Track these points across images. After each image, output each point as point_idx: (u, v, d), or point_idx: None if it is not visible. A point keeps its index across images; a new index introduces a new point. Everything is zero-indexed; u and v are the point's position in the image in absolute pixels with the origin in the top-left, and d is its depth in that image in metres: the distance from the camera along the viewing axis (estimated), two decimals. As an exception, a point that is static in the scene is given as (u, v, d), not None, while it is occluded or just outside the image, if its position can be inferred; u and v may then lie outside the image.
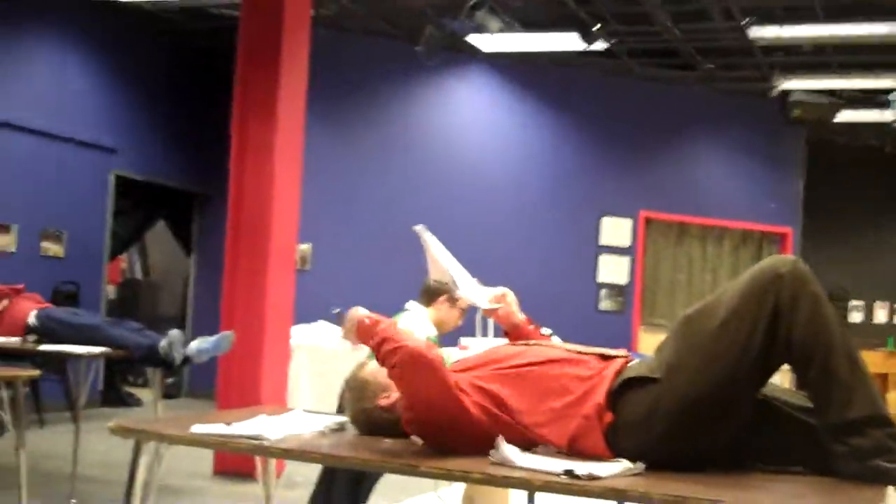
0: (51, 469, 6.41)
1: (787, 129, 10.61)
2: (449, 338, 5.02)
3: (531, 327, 3.04)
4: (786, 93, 9.94)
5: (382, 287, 9.46)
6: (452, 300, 4.84)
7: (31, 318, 5.98)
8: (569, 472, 2.24)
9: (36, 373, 4.85)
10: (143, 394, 10.34)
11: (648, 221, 10.59)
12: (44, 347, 5.80)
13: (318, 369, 7.41)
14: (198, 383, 10.67)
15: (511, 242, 10.23)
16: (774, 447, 2.55)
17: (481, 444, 2.49)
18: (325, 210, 9.79)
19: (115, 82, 9.98)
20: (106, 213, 9.89)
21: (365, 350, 2.69)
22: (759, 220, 10.77)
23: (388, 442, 2.71)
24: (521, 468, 2.35)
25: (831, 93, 9.96)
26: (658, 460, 2.41)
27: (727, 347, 2.41)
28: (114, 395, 10.09)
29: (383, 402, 2.81)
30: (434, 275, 3.15)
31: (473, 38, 9.45)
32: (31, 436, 4.55)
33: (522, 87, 10.54)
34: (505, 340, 3.08)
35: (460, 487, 4.60)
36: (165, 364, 5.75)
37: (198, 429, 2.75)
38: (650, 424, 2.44)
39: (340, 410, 3.73)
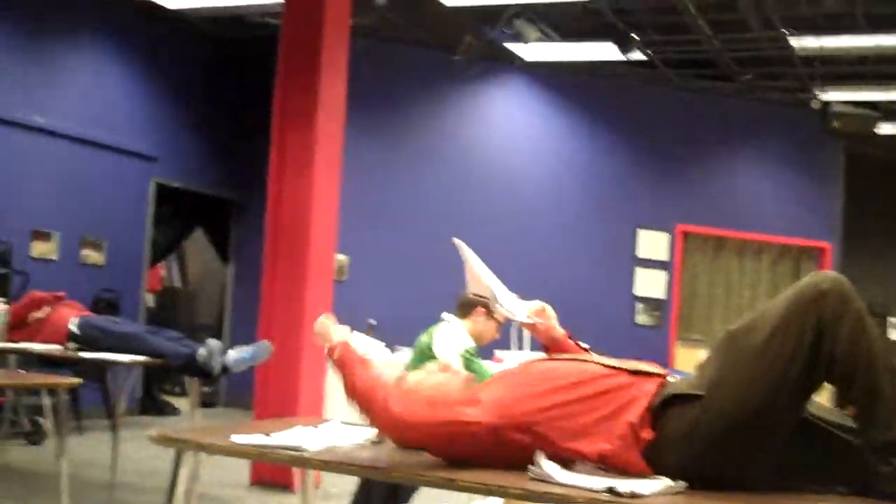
0: (90, 476, 6.46)
1: (827, 142, 10.52)
2: (484, 350, 5.01)
3: (570, 341, 3.02)
4: (825, 104, 9.86)
5: (418, 298, 9.49)
6: (489, 312, 4.83)
7: (72, 326, 6.04)
8: (611, 490, 2.22)
9: (77, 381, 4.89)
10: (181, 402, 10.41)
11: (686, 235, 10.53)
12: (85, 355, 5.85)
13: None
14: (234, 392, 10.73)
15: (547, 254, 10.20)
16: (816, 466, 2.52)
17: (506, 457, 2.52)
18: (362, 220, 9.82)
19: (155, 90, 10.08)
20: (146, 221, 9.98)
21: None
22: (797, 234, 10.67)
23: (425, 455, 2.71)
24: (561, 484, 2.33)
25: (872, 105, 9.86)
26: (699, 478, 2.39)
27: (770, 364, 2.39)
28: (151, 403, 10.17)
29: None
30: (472, 288, 3.14)
31: (512, 48, 9.46)
32: (70, 443, 4.58)
33: (560, 96, 10.53)
34: (541, 353, 3.07)
35: (496, 501, 4.58)
36: (204, 373, 5.77)
37: (238, 439, 2.76)
38: (692, 442, 2.41)
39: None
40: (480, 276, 3.01)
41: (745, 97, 10.45)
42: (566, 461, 2.49)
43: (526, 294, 3.15)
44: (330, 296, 7.07)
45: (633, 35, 8.65)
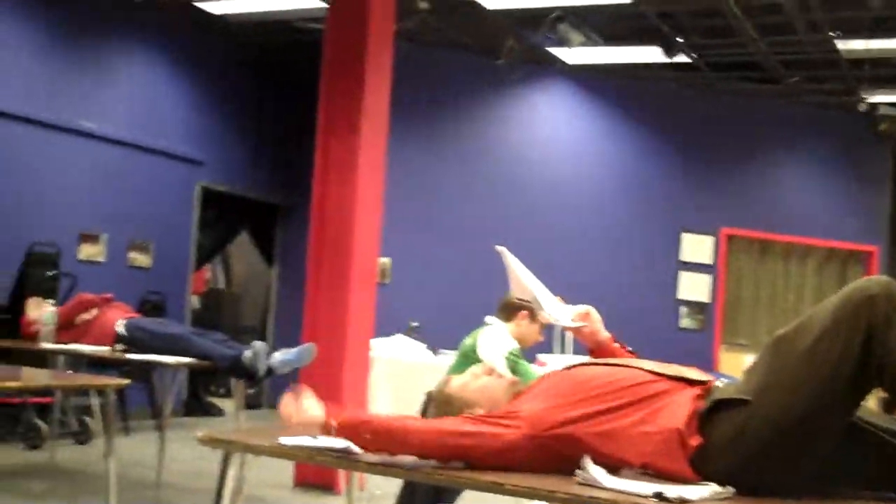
0: (136, 476, 6.53)
1: (874, 144, 10.40)
2: (527, 354, 5.00)
3: (616, 345, 3.02)
4: (873, 107, 9.75)
5: (460, 301, 9.51)
6: (532, 316, 4.83)
7: (120, 328, 6.13)
8: (659, 496, 2.22)
9: (125, 382, 4.95)
10: (225, 404, 10.50)
11: (730, 238, 10.45)
12: (132, 356, 5.93)
13: (396, 382, 7.46)
14: (278, 394, 10.74)
15: (590, 258, 10.18)
16: (865, 472, 2.50)
17: (550, 465, 2.53)
18: (405, 223, 9.85)
19: (201, 95, 10.18)
20: (192, 225, 10.08)
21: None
22: (843, 237, 10.55)
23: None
24: (608, 489, 2.33)
25: (920, 107, 9.75)
26: (747, 484, 2.38)
27: (818, 369, 2.37)
28: (196, 404, 10.26)
29: (467, 416, 2.81)
30: (516, 294, 3.14)
31: (555, 51, 9.45)
32: (117, 443, 4.63)
33: (604, 100, 10.51)
34: (584, 356, 3.07)
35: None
36: (249, 375, 5.83)
37: (285, 441, 2.78)
38: (739, 447, 2.40)
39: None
40: (524, 282, 3.01)
41: (791, 100, 10.36)
42: (611, 467, 2.49)
43: (569, 297, 3.15)
44: (373, 299, 7.10)
45: (677, 38, 8.60)
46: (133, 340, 6.05)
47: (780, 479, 2.42)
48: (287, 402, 2.81)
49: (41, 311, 6.28)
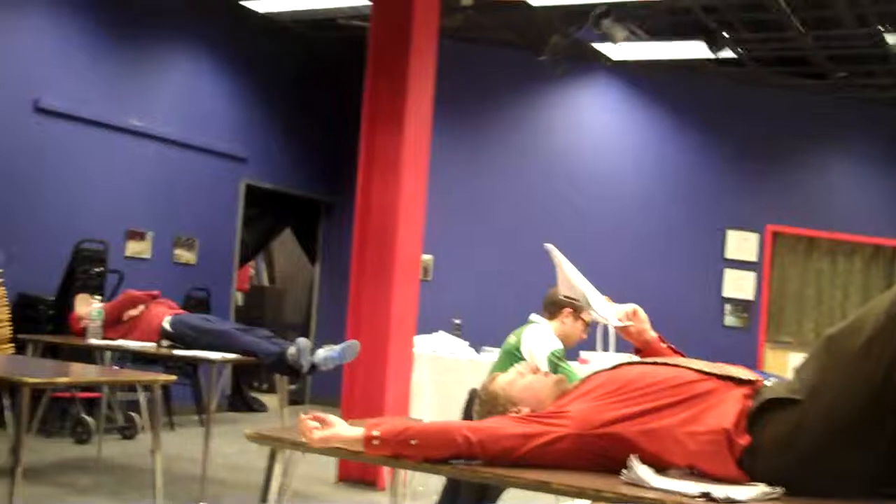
0: (181, 471, 6.60)
1: (923, 141, 10.25)
2: (570, 351, 4.99)
3: (663, 345, 3.00)
4: (922, 102, 9.61)
5: (503, 298, 9.51)
6: (577, 313, 4.81)
7: (166, 324, 6.18)
8: (706, 496, 2.21)
9: (172, 378, 5.00)
10: (268, 399, 10.58)
11: (776, 235, 10.34)
12: (178, 352, 5.98)
13: (439, 379, 7.46)
14: (320, 389, 10.84)
15: (634, 255, 10.12)
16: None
17: (596, 464, 2.53)
18: (447, 221, 9.86)
19: (246, 93, 10.25)
20: (236, 221, 10.16)
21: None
22: (891, 234, 10.40)
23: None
24: (655, 489, 2.32)
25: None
26: (796, 485, 2.36)
27: (871, 369, 2.34)
28: (240, 400, 10.34)
29: (513, 416, 2.81)
30: (564, 292, 3.13)
31: (600, 47, 9.41)
32: (162, 438, 4.68)
33: (648, 96, 10.44)
34: (627, 354, 3.06)
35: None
36: (293, 372, 5.86)
37: (332, 438, 2.79)
38: (789, 448, 2.38)
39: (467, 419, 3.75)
40: (572, 280, 3.00)
41: (838, 95, 10.23)
42: (657, 467, 2.48)
43: (613, 295, 3.14)
44: (416, 296, 7.11)
45: (723, 33, 8.52)
46: (179, 337, 6.09)
47: (831, 480, 2.39)
48: (309, 428, 2.71)
49: (89, 308, 6.34)
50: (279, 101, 10.63)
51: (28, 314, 7.56)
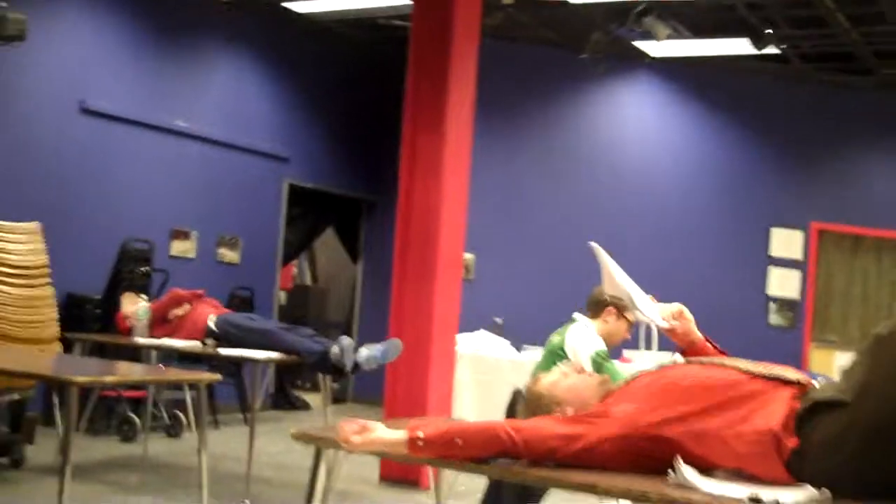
0: (225, 469, 6.65)
1: (971, 137, 10.09)
2: (613, 350, 4.96)
3: (709, 345, 2.98)
4: (970, 98, 9.46)
5: (544, 297, 9.50)
6: (620, 312, 4.79)
7: (211, 323, 6.24)
8: (754, 499, 2.19)
9: (217, 377, 5.04)
10: (311, 398, 10.63)
11: (821, 233, 10.23)
12: (224, 351, 6.03)
13: (480, 378, 7.47)
14: (362, 388, 10.89)
15: (678, 253, 10.05)
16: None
17: (641, 465, 2.52)
18: (488, 219, 9.85)
19: (288, 93, 10.31)
20: (279, 221, 10.22)
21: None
22: (939, 232, 10.25)
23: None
24: (701, 491, 2.31)
25: None
26: (846, 487, 2.33)
27: (921, 371, 2.31)
28: (283, 398, 10.40)
29: (557, 416, 2.80)
30: (609, 291, 3.12)
31: (641, 44, 9.36)
32: (207, 437, 4.72)
33: (691, 93, 10.36)
34: (669, 353, 3.04)
35: None
36: (336, 370, 5.89)
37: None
38: (837, 449, 2.35)
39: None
40: (617, 280, 2.99)
41: (885, 91, 10.09)
42: (704, 469, 2.46)
43: (657, 294, 3.12)
44: (458, 295, 7.12)
45: (766, 29, 8.44)
46: (224, 335, 6.15)
47: (880, 483, 2.36)
48: (348, 431, 2.72)
49: (135, 307, 6.42)
50: (321, 102, 10.68)
51: (75, 313, 7.67)
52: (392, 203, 7.36)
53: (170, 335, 6.30)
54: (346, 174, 11.06)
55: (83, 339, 6.36)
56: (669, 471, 2.40)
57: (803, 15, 8.30)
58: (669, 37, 8.38)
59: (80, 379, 4.15)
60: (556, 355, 4.59)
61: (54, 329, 6.57)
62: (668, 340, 3.07)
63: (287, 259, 11.07)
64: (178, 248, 9.05)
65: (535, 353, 6.59)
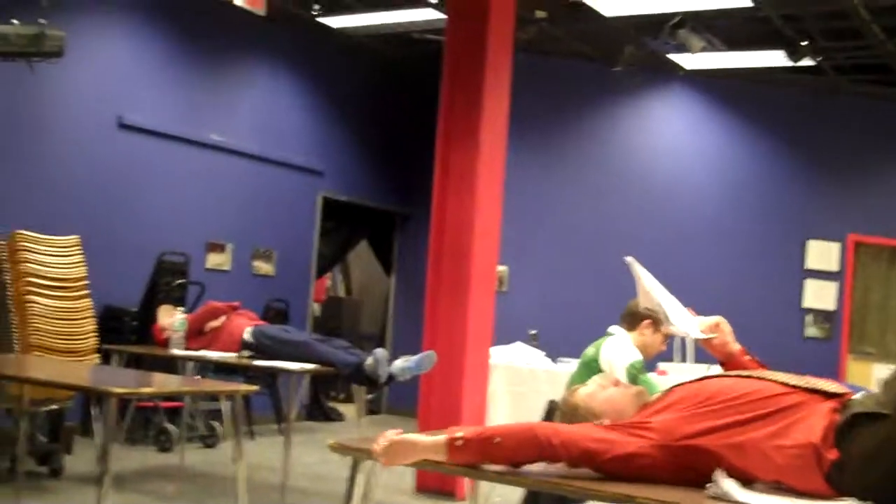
0: (261, 479, 6.68)
1: None
2: (648, 362, 4.95)
3: (747, 357, 2.97)
4: None
5: (578, 309, 9.49)
6: (656, 325, 4.78)
7: (247, 335, 6.28)
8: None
9: (253, 388, 5.07)
10: (345, 409, 10.67)
11: (857, 245, 10.15)
12: (259, 363, 6.07)
13: (515, 389, 7.45)
14: (396, 399, 10.91)
15: (713, 265, 10.01)
16: None
17: (679, 477, 2.51)
18: (522, 232, 9.86)
19: (322, 107, 10.38)
20: (313, 234, 10.28)
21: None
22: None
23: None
24: (740, 503, 2.30)
25: None
26: (886, 500, 2.31)
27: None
28: (317, 409, 10.44)
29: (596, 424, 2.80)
30: (644, 304, 3.12)
31: (675, 57, 9.34)
32: (243, 447, 4.75)
33: (725, 105, 10.33)
34: (705, 365, 3.03)
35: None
36: (370, 382, 5.91)
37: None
38: (877, 462, 2.34)
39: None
40: (652, 293, 2.99)
41: (920, 102, 10.01)
42: (743, 480, 2.46)
43: (694, 306, 3.11)
44: (492, 307, 7.13)
45: (802, 42, 8.40)
46: (259, 347, 6.19)
47: (920, 496, 2.35)
48: (384, 444, 2.68)
49: (172, 319, 6.47)
50: (355, 115, 10.74)
51: (113, 325, 7.75)
52: (425, 215, 7.38)
53: (206, 347, 6.34)
54: (379, 187, 11.10)
55: (121, 351, 6.42)
56: (708, 483, 2.40)
57: (838, 27, 8.25)
58: (703, 49, 8.35)
59: (118, 390, 4.19)
60: (591, 367, 4.59)
61: (93, 341, 6.64)
62: (705, 352, 3.06)
63: (321, 271, 11.12)
64: (214, 260, 9.12)
65: (569, 365, 6.58)
